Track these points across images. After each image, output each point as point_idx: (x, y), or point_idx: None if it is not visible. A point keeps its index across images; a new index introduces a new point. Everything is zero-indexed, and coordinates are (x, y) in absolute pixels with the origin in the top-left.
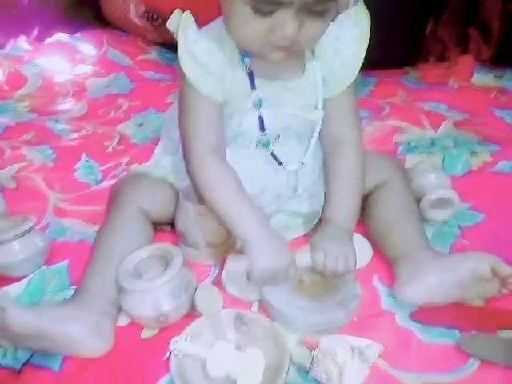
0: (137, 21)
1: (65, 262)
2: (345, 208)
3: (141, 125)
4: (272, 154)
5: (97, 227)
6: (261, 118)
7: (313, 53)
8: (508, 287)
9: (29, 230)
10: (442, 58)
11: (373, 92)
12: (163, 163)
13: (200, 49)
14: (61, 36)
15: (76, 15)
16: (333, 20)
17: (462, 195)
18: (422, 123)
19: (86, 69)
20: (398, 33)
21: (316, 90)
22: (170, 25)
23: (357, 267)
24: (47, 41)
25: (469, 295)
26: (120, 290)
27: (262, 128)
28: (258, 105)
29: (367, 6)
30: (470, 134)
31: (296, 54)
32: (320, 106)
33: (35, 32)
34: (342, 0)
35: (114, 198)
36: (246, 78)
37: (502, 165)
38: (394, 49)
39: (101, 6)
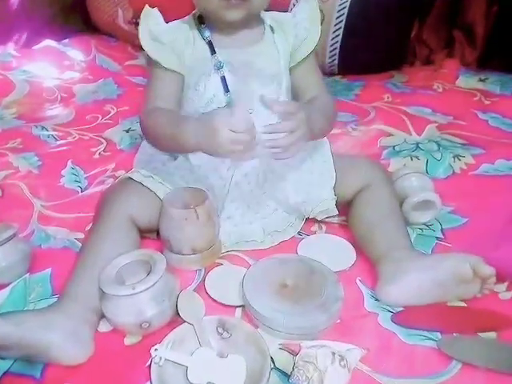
0: (125, 26)
1: (48, 271)
2: (314, 109)
3: (128, 130)
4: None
5: (81, 234)
6: (223, 78)
7: (272, 29)
8: (488, 288)
9: (10, 238)
10: (427, 61)
11: (358, 96)
12: (146, 169)
13: (158, 28)
14: (49, 42)
15: (64, 21)
16: None
17: (445, 198)
18: (406, 127)
19: (74, 75)
20: (384, 36)
21: (277, 57)
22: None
23: (340, 269)
24: (35, 47)
25: (450, 296)
26: (102, 296)
27: (226, 89)
28: (219, 66)
29: (354, 11)
30: (453, 137)
31: (252, 24)
32: (283, 64)
33: (23, 39)
34: None
35: (101, 205)
36: (206, 48)
37: (485, 167)
38: (379, 52)
39: (89, 12)
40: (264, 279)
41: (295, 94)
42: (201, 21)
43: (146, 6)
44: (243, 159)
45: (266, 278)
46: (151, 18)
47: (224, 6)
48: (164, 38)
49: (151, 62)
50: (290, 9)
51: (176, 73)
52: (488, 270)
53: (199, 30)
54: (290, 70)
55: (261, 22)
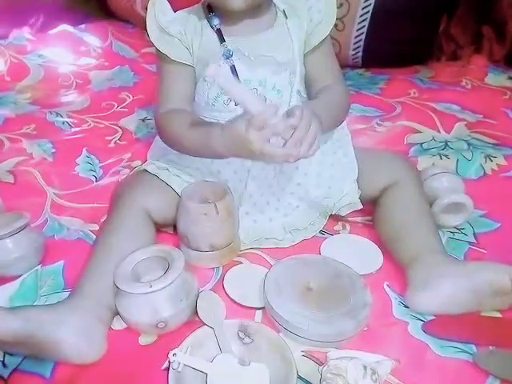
0: (142, 13)
1: (60, 263)
2: (320, 103)
3: (144, 119)
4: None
5: (95, 226)
6: (233, 67)
7: (284, 13)
8: None
9: (23, 228)
10: (454, 57)
11: (383, 90)
12: (161, 161)
13: (166, 19)
14: (65, 27)
15: (81, 6)
16: None
17: (477, 200)
18: (434, 124)
19: (90, 61)
20: (411, 29)
21: (291, 44)
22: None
23: (367, 273)
24: (51, 32)
25: (485, 306)
26: (117, 292)
27: (237, 78)
28: (228, 55)
29: (380, 3)
30: (483, 136)
31: (262, 9)
32: (296, 51)
33: (39, 23)
34: None
35: (116, 197)
36: (215, 36)
37: None
38: (405, 46)
39: None
40: (287, 281)
41: (307, 81)
42: (210, 9)
43: None
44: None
45: (289, 280)
46: (158, 7)
47: None
48: (172, 29)
49: (160, 56)
50: None
51: (186, 65)
52: None
53: (208, 19)
54: (304, 56)
55: (272, 6)
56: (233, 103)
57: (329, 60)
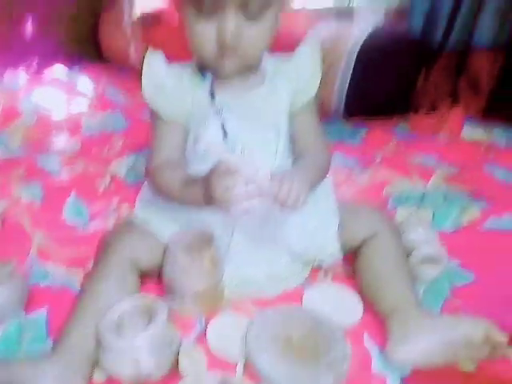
0: (137, 59)
1: (44, 311)
2: (303, 170)
3: (134, 164)
4: None
5: (81, 273)
6: (222, 124)
7: (273, 74)
8: (500, 353)
9: (8, 275)
10: (432, 109)
11: (364, 141)
12: (148, 211)
13: (159, 74)
14: (59, 68)
15: (76, 49)
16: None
17: (453, 252)
18: (412, 176)
19: (82, 105)
20: (390, 83)
21: (278, 103)
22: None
23: (347, 324)
24: (45, 75)
25: (461, 357)
26: (99, 344)
27: (225, 134)
28: (218, 111)
29: (361, 58)
30: (459, 189)
31: (253, 72)
32: (283, 110)
33: (34, 64)
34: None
35: (103, 246)
36: (207, 93)
37: (492, 221)
38: (385, 98)
39: (100, 41)
40: (268, 333)
41: (292, 138)
42: (202, 66)
43: (150, 48)
44: (246, 207)
45: (270, 333)
46: (153, 62)
47: (218, 56)
48: (166, 85)
49: (155, 115)
50: None
51: (178, 124)
52: (501, 337)
53: (200, 77)
54: (290, 115)
55: (262, 66)
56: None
57: (313, 120)
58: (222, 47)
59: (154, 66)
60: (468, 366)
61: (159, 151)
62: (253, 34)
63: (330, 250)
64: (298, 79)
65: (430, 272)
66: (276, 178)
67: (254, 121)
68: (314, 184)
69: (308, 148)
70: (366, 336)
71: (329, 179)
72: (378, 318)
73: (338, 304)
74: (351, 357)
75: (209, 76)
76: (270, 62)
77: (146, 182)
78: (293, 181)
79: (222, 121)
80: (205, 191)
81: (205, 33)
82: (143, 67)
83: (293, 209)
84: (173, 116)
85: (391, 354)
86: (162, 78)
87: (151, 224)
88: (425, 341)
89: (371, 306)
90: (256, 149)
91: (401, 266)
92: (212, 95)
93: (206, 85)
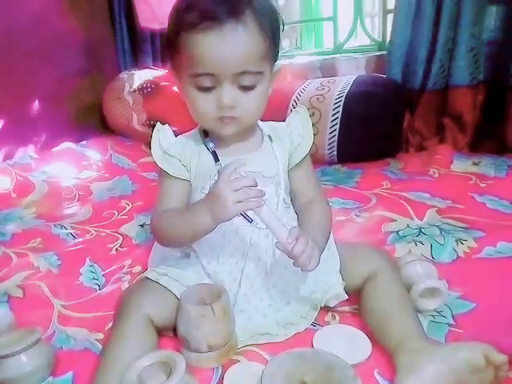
0: (139, 128)
1: (70, 374)
2: (318, 235)
3: (143, 225)
4: (241, 215)
5: (101, 335)
6: None
7: (270, 137)
8: (503, 374)
9: (36, 342)
10: (421, 148)
11: (359, 184)
12: (160, 267)
13: (168, 142)
14: (68, 145)
15: (82, 124)
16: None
17: (452, 282)
18: (407, 212)
19: (91, 173)
20: (377, 128)
21: (275, 162)
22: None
23: (357, 362)
24: (54, 149)
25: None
26: None
27: None
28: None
29: (348, 108)
30: (454, 221)
31: (249, 134)
32: (280, 167)
33: (42, 141)
34: (267, 76)
35: (120, 307)
36: (211, 156)
37: (488, 250)
38: (375, 142)
39: (105, 115)
40: (282, 377)
41: (292, 193)
42: (205, 134)
43: (158, 123)
44: (255, 211)
45: (284, 376)
46: (162, 133)
47: (218, 124)
48: (172, 150)
49: (161, 172)
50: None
51: (183, 180)
52: (500, 358)
53: (204, 143)
54: (288, 172)
55: (259, 131)
56: None
57: (309, 174)
58: (221, 115)
59: (162, 134)
60: None
61: (162, 203)
62: (247, 102)
63: (335, 291)
64: (292, 141)
65: (430, 304)
66: (292, 233)
67: (255, 177)
68: (324, 243)
69: (310, 200)
70: (376, 372)
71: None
72: (386, 354)
73: (347, 343)
74: None
75: (211, 142)
76: (265, 127)
77: (155, 243)
78: (307, 242)
79: None
80: (210, 205)
81: (206, 104)
82: (153, 137)
83: (303, 268)
84: (178, 174)
85: None
86: (169, 145)
87: (163, 282)
88: (431, 370)
89: (379, 343)
90: None
91: (403, 302)
92: (216, 158)
93: (209, 149)
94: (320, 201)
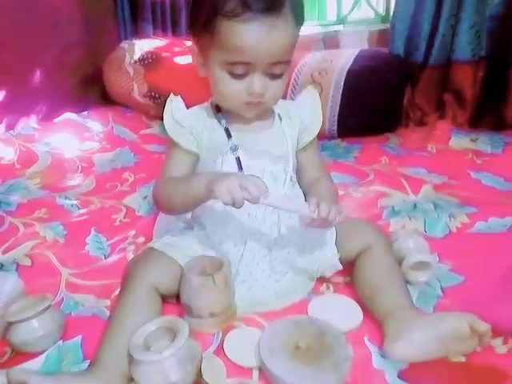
0: (140, 99)
1: (79, 337)
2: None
3: (145, 197)
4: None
5: (107, 301)
6: (238, 159)
7: (280, 117)
8: (486, 342)
9: (47, 308)
10: (421, 123)
11: (357, 159)
12: (166, 238)
13: (179, 114)
14: (69, 115)
15: (83, 95)
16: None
17: (443, 256)
18: (404, 188)
19: (93, 145)
20: (378, 102)
21: (285, 141)
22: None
23: (349, 329)
24: (56, 120)
25: (451, 351)
26: (131, 361)
27: (240, 167)
28: (234, 149)
29: (349, 82)
30: (448, 196)
31: (264, 115)
32: (289, 147)
33: (44, 111)
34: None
35: (127, 275)
36: (224, 133)
37: (479, 226)
38: (375, 116)
39: (106, 86)
40: (278, 342)
41: (299, 171)
42: (218, 109)
43: (171, 93)
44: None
45: (280, 341)
46: (174, 104)
47: (243, 107)
48: (184, 122)
49: (172, 142)
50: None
51: (192, 153)
52: (484, 327)
53: (217, 117)
54: (297, 151)
55: (271, 111)
56: None
57: (316, 155)
58: (249, 101)
59: (175, 105)
60: (458, 359)
61: (168, 170)
62: (275, 88)
63: (331, 262)
64: (302, 120)
65: (420, 277)
66: (311, 203)
67: (265, 157)
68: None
69: (317, 178)
70: (365, 338)
71: None
72: (376, 323)
73: (340, 312)
74: (353, 357)
75: (224, 118)
76: (276, 106)
77: (159, 214)
78: (327, 202)
79: (238, 155)
80: (211, 176)
81: (235, 89)
82: (165, 108)
83: (333, 224)
84: (190, 147)
85: (387, 351)
86: (181, 118)
87: (169, 252)
88: (417, 337)
89: (369, 312)
90: (267, 177)
91: (394, 275)
92: (228, 135)
93: (222, 125)
94: (326, 179)
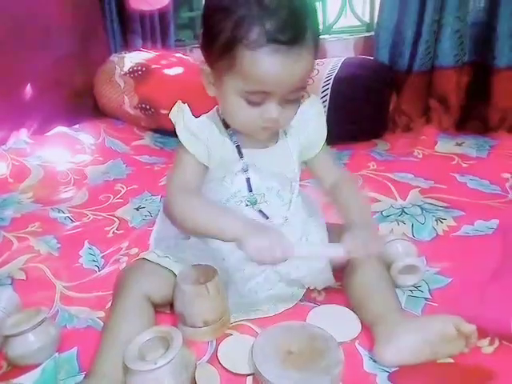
0: (131, 111)
1: (74, 349)
2: (360, 216)
3: (138, 208)
4: (260, 211)
5: (102, 313)
6: (248, 180)
7: (285, 132)
8: (472, 343)
9: (42, 322)
10: (408, 129)
11: (347, 165)
12: (160, 249)
13: (193, 124)
14: (61, 129)
15: (74, 108)
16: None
17: (431, 259)
18: (391, 193)
19: (85, 157)
20: (365, 109)
21: (290, 157)
22: (172, 112)
23: (346, 340)
24: (48, 133)
25: (439, 354)
26: (126, 371)
27: (250, 188)
28: (246, 169)
29: (336, 89)
30: (435, 200)
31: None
32: (296, 168)
33: (35, 125)
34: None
35: (118, 285)
36: (235, 150)
37: (466, 229)
38: (363, 123)
39: (97, 99)
40: (271, 348)
41: (317, 177)
42: (225, 124)
43: (179, 101)
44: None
45: (273, 347)
46: (186, 114)
47: (258, 131)
48: (199, 134)
49: (184, 150)
50: None
51: (204, 166)
52: (469, 328)
53: (227, 133)
54: (308, 162)
55: None
56: (244, 204)
57: (329, 156)
58: (265, 126)
59: (187, 118)
60: (447, 361)
61: (180, 179)
62: (289, 113)
63: (325, 275)
64: (307, 135)
65: (408, 281)
66: (346, 243)
67: (274, 179)
68: (370, 218)
69: (336, 182)
70: (356, 343)
71: (318, 205)
72: (367, 328)
73: (339, 323)
74: (345, 361)
75: (235, 135)
76: None
77: (157, 222)
78: (357, 241)
79: (248, 176)
80: (249, 227)
81: (250, 116)
82: (176, 119)
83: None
84: (203, 160)
85: (377, 355)
86: (194, 128)
87: (165, 263)
88: (405, 341)
89: (359, 316)
90: (273, 196)
91: (382, 280)
92: (240, 154)
93: (232, 142)
94: (344, 179)
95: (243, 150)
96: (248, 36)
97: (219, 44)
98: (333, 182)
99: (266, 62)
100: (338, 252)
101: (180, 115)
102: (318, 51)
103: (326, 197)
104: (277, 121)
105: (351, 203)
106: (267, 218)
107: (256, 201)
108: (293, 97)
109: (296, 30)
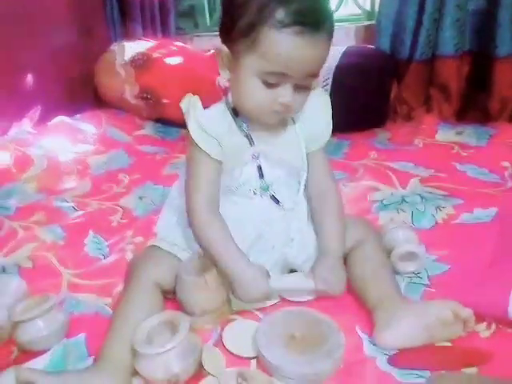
0: (132, 101)
1: (82, 335)
2: (336, 243)
3: (141, 198)
4: (272, 196)
5: (109, 299)
6: (259, 167)
7: (293, 120)
8: (469, 327)
9: (51, 308)
10: (408, 118)
11: (347, 155)
12: (170, 237)
13: (203, 119)
14: (62, 118)
15: (75, 97)
16: None
17: (430, 247)
18: (392, 182)
19: (87, 147)
20: (366, 98)
21: (299, 144)
22: (183, 104)
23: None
24: (50, 123)
25: (437, 337)
26: (135, 354)
27: (261, 175)
28: (257, 156)
29: (337, 78)
30: (435, 189)
31: (282, 120)
32: (304, 156)
33: (37, 115)
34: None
35: (130, 272)
36: (245, 139)
37: (465, 217)
38: (364, 112)
39: (97, 88)
40: (274, 332)
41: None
42: (235, 112)
43: (190, 94)
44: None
45: (276, 331)
46: (198, 109)
47: (268, 115)
48: (212, 131)
49: (196, 147)
50: None
51: (218, 161)
52: (466, 313)
53: (236, 122)
54: (308, 155)
55: None
56: (252, 193)
57: (325, 160)
58: (276, 110)
59: (199, 113)
60: (444, 345)
61: (199, 182)
62: (301, 99)
63: None
64: (313, 127)
65: (408, 267)
66: (317, 280)
67: (283, 168)
68: (342, 247)
69: (323, 190)
70: (357, 327)
71: None
72: (366, 312)
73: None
74: (346, 345)
75: (245, 123)
76: None
77: (163, 210)
78: (332, 273)
79: (259, 164)
80: (255, 275)
81: (264, 98)
82: (188, 114)
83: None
84: (217, 156)
85: (377, 339)
86: (205, 122)
87: (174, 250)
88: (404, 325)
89: (361, 302)
90: (281, 186)
91: (383, 267)
92: (251, 142)
93: (243, 130)
94: (332, 194)
95: (254, 138)
96: (274, 15)
97: (243, 23)
98: (320, 191)
99: (289, 42)
100: (309, 286)
101: (191, 112)
102: (331, 42)
103: (308, 200)
104: (290, 106)
105: (330, 224)
106: (278, 202)
107: (268, 187)
108: (306, 83)
109: (320, 16)
